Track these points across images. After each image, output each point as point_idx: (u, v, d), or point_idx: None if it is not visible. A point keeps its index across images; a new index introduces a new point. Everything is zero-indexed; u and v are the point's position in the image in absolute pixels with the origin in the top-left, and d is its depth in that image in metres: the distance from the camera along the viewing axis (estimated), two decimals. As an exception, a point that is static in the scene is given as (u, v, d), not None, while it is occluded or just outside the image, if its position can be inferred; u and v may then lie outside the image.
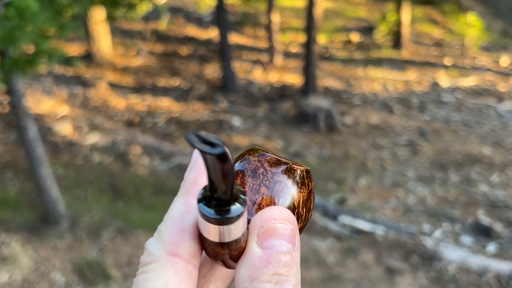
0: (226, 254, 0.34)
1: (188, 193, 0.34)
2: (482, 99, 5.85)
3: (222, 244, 0.33)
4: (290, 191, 0.34)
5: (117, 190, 3.87)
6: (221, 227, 0.32)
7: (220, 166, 0.28)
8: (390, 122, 5.25)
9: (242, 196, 0.32)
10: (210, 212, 0.32)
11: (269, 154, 0.35)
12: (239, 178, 0.35)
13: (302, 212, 0.34)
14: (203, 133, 0.27)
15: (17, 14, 2.31)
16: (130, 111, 5.37)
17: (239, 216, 0.32)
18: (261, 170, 0.34)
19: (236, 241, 0.33)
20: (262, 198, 0.34)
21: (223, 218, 0.32)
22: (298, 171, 0.34)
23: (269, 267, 0.30)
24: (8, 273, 2.88)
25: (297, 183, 0.34)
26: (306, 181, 0.35)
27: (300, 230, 0.34)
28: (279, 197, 0.34)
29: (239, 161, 0.35)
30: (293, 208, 0.34)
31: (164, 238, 0.33)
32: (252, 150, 0.36)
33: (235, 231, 0.32)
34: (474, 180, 4.15)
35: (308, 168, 0.36)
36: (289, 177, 0.34)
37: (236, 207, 0.31)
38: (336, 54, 7.16)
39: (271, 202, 0.34)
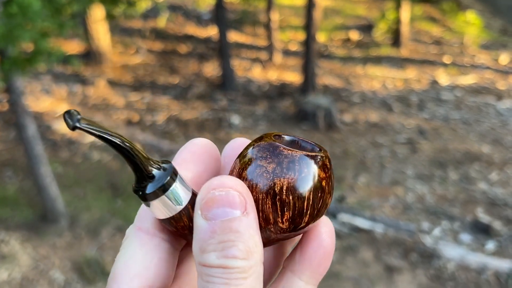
0: (180, 230, 0.34)
1: None
2: (481, 97, 5.85)
3: (171, 220, 0.33)
4: (270, 176, 0.32)
5: (116, 188, 3.87)
6: (155, 202, 0.33)
7: (106, 140, 0.30)
8: (389, 120, 5.26)
9: (159, 166, 0.33)
10: (141, 192, 0.33)
11: (268, 141, 0.34)
12: (235, 164, 0.35)
13: (287, 199, 0.32)
14: (73, 111, 0.29)
15: (20, 12, 2.30)
16: (129, 109, 5.37)
17: (165, 185, 0.32)
18: (250, 155, 0.34)
19: (182, 213, 0.33)
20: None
21: (149, 192, 0.32)
22: (290, 157, 0.32)
23: (215, 237, 0.30)
24: (7, 271, 2.88)
25: (283, 168, 0.32)
26: (298, 167, 0.32)
27: (292, 219, 0.32)
28: (257, 181, 0.32)
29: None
30: (273, 194, 0.32)
31: (135, 218, 0.35)
32: (259, 137, 0.35)
33: (173, 202, 0.32)
34: (473, 178, 4.15)
35: (317, 154, 0.33)
36: (272, 161, 0.32)
37: (158, 176, 0.32)
38: (335, 52, 7.16)
39: (251, 186, 0.33)
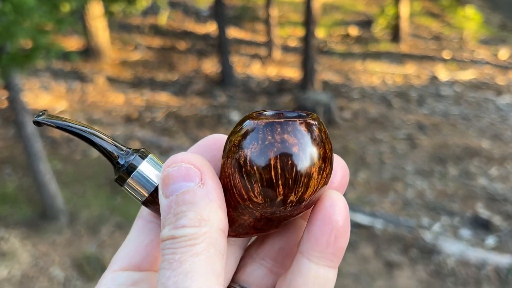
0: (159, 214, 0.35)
1: None
2: (481, 92, 5.84)
3: (147, 204, 0.34)
4: (236, 149, 0.31)
5: (116, 185, 3.87)
6: (127, 186, 0.34)
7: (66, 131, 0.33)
8: (388, 116, 5.25)
9: (127, 152, 0.34)
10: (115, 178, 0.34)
11: (248, 115, 0.33)
12: None
13: (252, 170, 0.30)
14: (44, 111, 0.33)
15: (13, 10, 2.30)
16: (128, 106, 5.36)
17: (128, 168, 0.33)
18: (229, 134, 0.33)
19: (154, 195, 0.34)
20: (221, 161, 0.33)
21: (120, 174, 0.33)
22: (255, 126, 0.31)
23: (171, 211, 0.30)
24: (7, 269, 2.88)
25: (247, 139, 0.31)
26: (261, 135, 0.30)
27: (264, 192, 0.30)
28: (228, 156, 0.32)
29: None
30: (238, 166, 0.31)
31: None
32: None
33: (141, 185, 0.33)
34: (473, 173, 4.15)
35: (289, 120, 0.30)
36: (239, 134, 0.31)
37: (124, 160, 0.33)
38: (334, 48, 7.14)
39: (224, 163, 0.32)
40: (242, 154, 0.30)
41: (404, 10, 7.03)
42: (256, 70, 6.36)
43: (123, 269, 0.34)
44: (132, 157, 0.33)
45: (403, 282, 2.97)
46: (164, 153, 4.36)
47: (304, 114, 0.33)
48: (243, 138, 0.31)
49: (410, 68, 6.45)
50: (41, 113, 0.33)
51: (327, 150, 0.32)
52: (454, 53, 6.88)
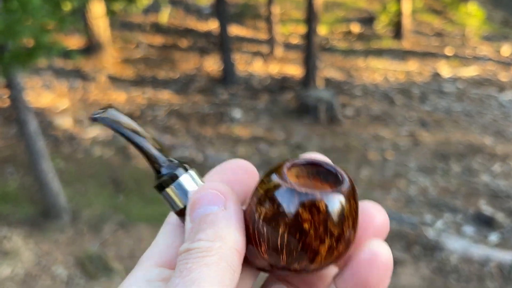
0: None
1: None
2: (483, 89, 5.83)
3: (179, 215, 0.35)
4: (255, 201, 0.31)
5: (118, 184, 3.87)
6: (164, 194, 0.35)
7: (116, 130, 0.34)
8: (391, 113, 5.24)
9: (170, 164, 0.35)
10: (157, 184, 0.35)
11: (276, 166, 0.33)
12: None
13: (262, 230, 0.31)
14: (108, 106, 0.34)
15: (20, 7, 2.30)
16: (130, 104, 5.36)
17: (165, 181, 0.34)
18: (259, 179, 0.33)
19: (183, 211, 0.34)
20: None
21: (160, 182, 0.35)
22: (277, 187, 0.30)
23: (193, 231, 0.31)
24: (10, 267, 2.88)
25: (266, 197, 0.31)
26: (279, 199, 0.30)
27: (269, 253, 0.31)
28: (249, 202, 0.32)
29: None
30: (253, 220, 0.31)
31: None
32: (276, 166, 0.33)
33: (176, 197, 0.34)
34: (476, 170, 4.14)
35: (310, 193, 0.30)
36: (262, 188, 0.31)
37: (165, 171, 0.34)
38: (336, 45, 7.13)
39: (246, 209, 0.33)
40: (259, 210, 0.31)
41: (406, 6, 7.02)
42: (258, 68, 6.35)
43: (157, 265, 0.35)
44: (175, 168, 0.34)
45: (406, 279, 2.96)
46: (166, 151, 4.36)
47: (340, 178, 0.31)
48: (265, 194, 0.31)
49: (412, 65, 6.44)
50: (101, 110, 0.33)
51: (345, 230, 0.30)
52: (457, 50, 6.87)
